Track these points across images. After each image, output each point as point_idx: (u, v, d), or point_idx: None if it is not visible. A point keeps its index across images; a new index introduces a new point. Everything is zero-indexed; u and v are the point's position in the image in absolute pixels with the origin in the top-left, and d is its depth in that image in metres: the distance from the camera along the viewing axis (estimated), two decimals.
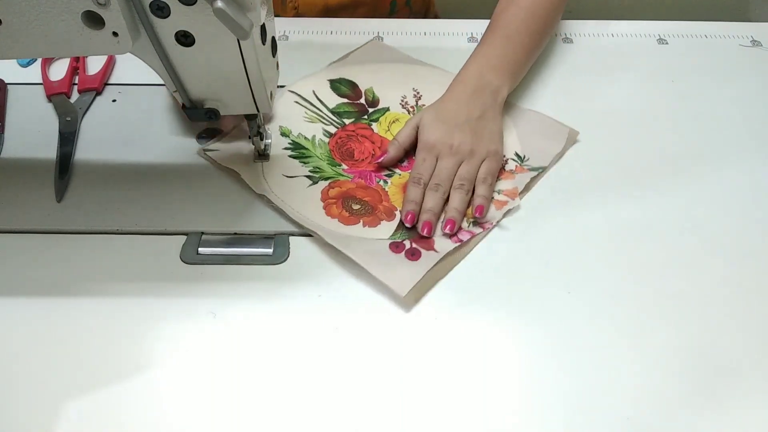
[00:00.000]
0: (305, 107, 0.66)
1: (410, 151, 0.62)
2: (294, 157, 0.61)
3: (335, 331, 0.49)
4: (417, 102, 0.68)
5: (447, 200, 0.57)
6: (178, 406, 0.45)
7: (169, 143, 0.63)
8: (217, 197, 0.58)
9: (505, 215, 0.57)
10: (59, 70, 0.70)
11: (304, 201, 0.57)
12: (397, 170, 0.61)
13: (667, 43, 0.77)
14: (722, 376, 0.46)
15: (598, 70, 0.73)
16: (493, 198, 0.58)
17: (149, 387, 0.45)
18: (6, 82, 0.69)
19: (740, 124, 0.66)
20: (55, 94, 0.67)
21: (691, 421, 0.44)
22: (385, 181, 0.60)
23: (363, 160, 0.62)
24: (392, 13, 0.87)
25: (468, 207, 0.57)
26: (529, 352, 0.48)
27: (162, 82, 0.51)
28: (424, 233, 0.54)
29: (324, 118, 0.65)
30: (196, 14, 0.44)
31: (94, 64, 0.71)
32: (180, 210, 0.57)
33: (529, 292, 0.51)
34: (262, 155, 0.60)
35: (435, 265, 0.52)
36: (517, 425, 0.44)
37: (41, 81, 0.69)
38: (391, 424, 0.44)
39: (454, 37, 0.77)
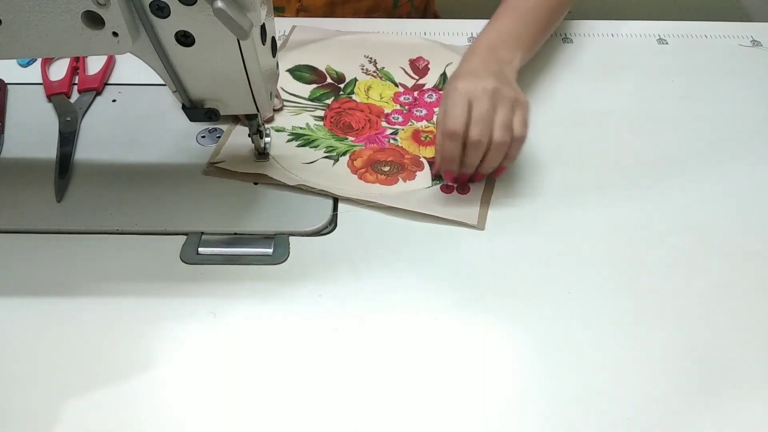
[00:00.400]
0: (287, 107, 0.67)
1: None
2: (303, 145, 0.62)
3: (335, 331, 0.49)
4: (375, 65, 0.72)
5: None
6: (179, 406, 0.45)
7: (169, 143, 0.63)
8: (217, 197, 0.58)
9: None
10: (59, 70, 0.70)
11: (338, 178, 0.59)
12: (399, 126, 0.65)
13: (667, 43, 0.77)
14: (722, 376, 0.46)
15: (598, 70, 0.73)
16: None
17: (149, 387, 0.45)
18: (6, 82, 0.69)
19: (740, 124, 0.66)
20: (55, 94, 0.67)
21: (691, 421, 0.44)
22: (395, 139, 0.64)
23: (362, 127, 0.64)
24: (396, 7, 0.87)
25: None
26: (529, 352, 0.48)
27: (162, 82, 0.51)
28: (456, 183, 0.59)
29: (306, 107, 0.67)
30: (196, 14, 0.44)
31: (94, 64, 0.71)
32: (180, 210, 0.56)
33: (529, 292, 0.51)
34: (263, 154, 0.60)
35: (483, 190, 0.58)
36: (516, 425, 0.44)
37: (41, 81, 0.69)
38: (391, 423, 0.44)
39: (454, 37, 0.77)
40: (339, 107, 0.67)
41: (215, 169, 0.60)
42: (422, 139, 0.64)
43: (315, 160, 0.61)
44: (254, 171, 0.59)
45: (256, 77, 0.50)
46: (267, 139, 0.59)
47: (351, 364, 0.47)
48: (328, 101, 0.68)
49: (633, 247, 0.54)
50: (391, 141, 0.63)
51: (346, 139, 0.63)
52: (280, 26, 0.77)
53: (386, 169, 0.60)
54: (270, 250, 0.54)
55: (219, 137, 0.63)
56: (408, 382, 0.46)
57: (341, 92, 0.69)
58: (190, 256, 0.53)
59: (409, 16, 0.89)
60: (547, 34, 0.70)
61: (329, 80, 0.70)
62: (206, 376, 0.46)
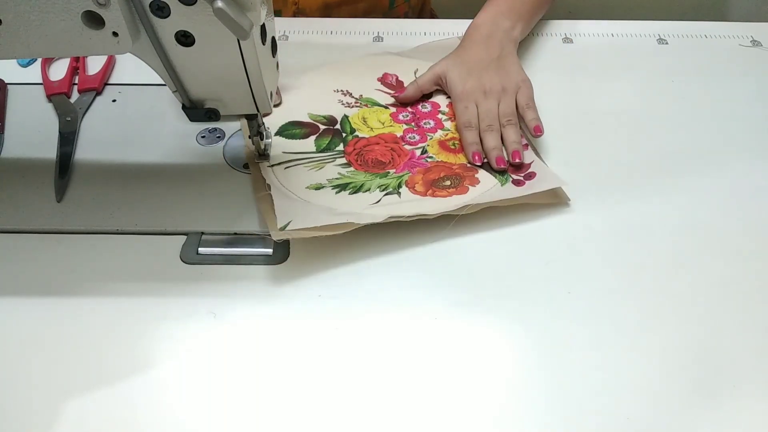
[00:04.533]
0: (300, 164, 0.61)
1: (425, 97, 0.67)
2: (354, 192, 0.58)
3: (335, 331, 0.49)
4: (352, 95, 0.69)
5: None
6: (178, 405, 0.45)
7: (169, 143, 0.63)
8: (217, 197, 0.58)
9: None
10: (59, 70, 0.70)
11: (417, 203, 0.56)
12: (422, 144, 0.63)
13: (667, 43, 0.77)
14: (722, 376, 0.46)
15: (598, 70, 0.73)
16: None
17: (149, 387, 0.45)
18: (6, 82, 0.69)
19: (740, 124, 0.66)
20: (55, 94, 0.67)
21: (691, 421, 0.44)
22: (431, 157, 0.62)
23: (392, 158, 0.61)
24: (392, 8, 0.87)
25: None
26: (529, 352, 0.48)
27: (162, 82, 0.51)
28: (501, 166, 0.59)
29: (324, 160, 0.61)
30: (196, 14, 0.44)
31: (94, 64, 0.71)
32: (180, 210, 0.57)
33: (529, 292, 0.51)
34: (263, 155, 0.60)
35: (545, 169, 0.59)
36: (516, 425, 0.44)
37: (41, 81, 0.69)
38: (391, 424, 0.44)
39: (452, 37, 0.77)
40: (353, 149, 0.62)
41: (286, 234, 0.52)
42: (451, 147, 0.62)
43: (379, 200, 0.57)
44: (337, 223, 0.52)
45: (256, 77, 0.50)
46: (268, 140, 0.59)
47: (351, 364, 0.47)
48: (339, 148, 0.62)
49: (633, 247, 0.54)
50: (428, 159, 0.61)
51: (387, 173, 0.59)
52: (279, 27, 0.77)
53: (447, 183, 0.58)
54: (270, 250, 0.54)
55: (219, 137, 0.63)
56: (408, 383, 0.46)
57: (343, 134, 0.64)
58: (190, 256, 0.53)
59: (405, 16, 0.90)
60: (543, 8, 0.75)
61: (322, 126, 0.65)
62: (206, 376, 0.46)
